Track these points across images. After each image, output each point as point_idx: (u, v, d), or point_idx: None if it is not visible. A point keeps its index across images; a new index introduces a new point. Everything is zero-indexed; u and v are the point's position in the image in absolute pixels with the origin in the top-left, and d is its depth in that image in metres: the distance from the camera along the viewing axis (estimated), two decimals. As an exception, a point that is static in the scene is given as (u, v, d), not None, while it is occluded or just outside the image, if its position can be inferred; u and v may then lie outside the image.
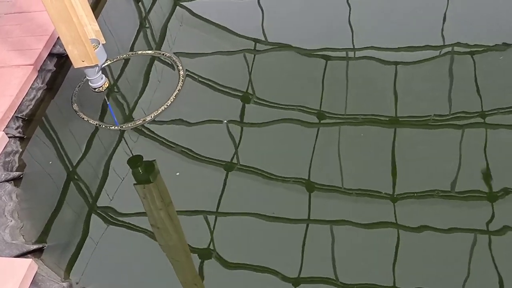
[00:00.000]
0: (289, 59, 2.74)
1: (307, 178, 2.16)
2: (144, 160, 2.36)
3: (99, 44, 2.29)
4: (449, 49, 2.61)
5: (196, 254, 1.98)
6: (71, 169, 2.40)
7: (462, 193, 2.01)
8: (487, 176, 2.03)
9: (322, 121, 2.38)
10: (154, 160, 2.36)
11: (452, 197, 2.00)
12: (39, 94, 2.73)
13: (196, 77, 2.75)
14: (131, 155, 2.40)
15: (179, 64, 2.80)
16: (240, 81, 2.65)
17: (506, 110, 2.26)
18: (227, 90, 2.64)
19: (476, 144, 2.15)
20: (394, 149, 2.20)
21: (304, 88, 2.56)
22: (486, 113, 2.26)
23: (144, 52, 2.95)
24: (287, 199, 2.12)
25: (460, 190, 2.01)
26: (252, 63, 2.77)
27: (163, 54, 2.90)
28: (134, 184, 2.26)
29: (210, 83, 2.70)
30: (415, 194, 2.02)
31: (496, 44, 2.55)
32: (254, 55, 2.81)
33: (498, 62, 2.48)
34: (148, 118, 2.55)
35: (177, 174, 2.28)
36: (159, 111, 2.57)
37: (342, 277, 1.85)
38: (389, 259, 1.86)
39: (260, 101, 2.55)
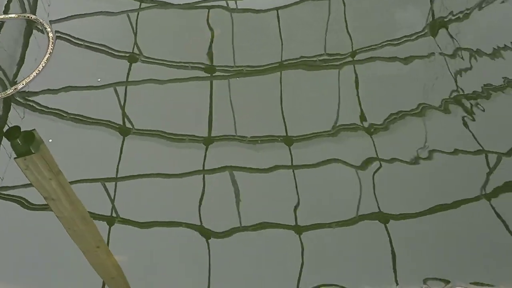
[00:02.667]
0: (173, 15, 2.66)
1: (206, 134, 2.15)
2: (22, 130, 2.14)
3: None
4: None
5: (104, 221, 1.90)
6: None
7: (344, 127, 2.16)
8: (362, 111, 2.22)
9: (213, 75, 2.37)
10: (34, 129, 2.15)
11: (333, 134, 2.14)
12: None
13: (73, 39, 2.54)
14: (7, 127, 2.16)
15: (47, 27, 2.56)
16: (125, 42, 2.51)
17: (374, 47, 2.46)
18: (112, 52, 2.49)
19: (350, 82, 2.32)
20: (282, 94, 2.28)
21: (190, 44, 2.51)
22: (357, 51, 2.44)
23: (5, 16, 2.63)
24: (185, 156, 2.09)
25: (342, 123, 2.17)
26: (136, 23, 2.63)
27: (28, 17, 2.62)
28: (15, 158, 2.05)
29: (91, 45, 2.52)
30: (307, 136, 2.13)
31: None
32: (138, 13, 2.68)
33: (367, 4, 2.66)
34: (20, 86, 2.31)
35: (50, 141, 2.12)
36: (30, 78, 2.34)
37: (246, 220, 1.90)
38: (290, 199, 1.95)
39: (148, 60, 2.45)
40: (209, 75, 2.38)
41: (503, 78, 2.29)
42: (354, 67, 2.37)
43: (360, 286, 1.65)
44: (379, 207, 1.90)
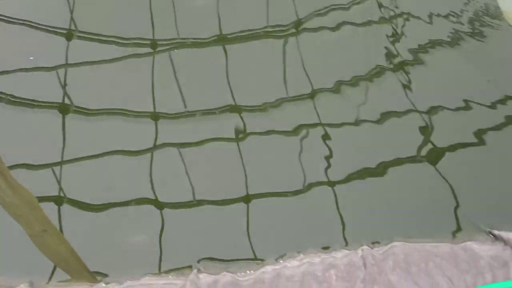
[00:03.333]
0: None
1: (152, 110, 2.14)
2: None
3: None
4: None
5: (51, 202, 1.87)
6: None
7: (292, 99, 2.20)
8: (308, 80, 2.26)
9: (156, 50, 2.34)
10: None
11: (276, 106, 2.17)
12: None
13: (4, 19, 2.43)
14: None
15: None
16: (60, 18, 2.43)
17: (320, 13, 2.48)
18: (46, 28, 2.40)
19: (295, 52, 2.36)
20: (227, 67, 2.28)
21: (131, 18, 2.47)
22: (302, 20, 2.46)
23: None
24: (134, 133, 2.07)
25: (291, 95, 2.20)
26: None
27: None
28: None
29: (23, 22, 2.42)
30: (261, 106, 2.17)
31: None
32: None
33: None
34: None
35: None
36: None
37: (198, 195, 1.92)
38: (236, 167, 1.99)
39: (86, 37, 2.38)
40: (152, 50, 2.35)
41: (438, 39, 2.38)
42: (296, 38, 2.39)
43: (306, 249, 1.70)
44: (326, 175, 1.96)
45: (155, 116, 2.12)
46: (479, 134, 2.08)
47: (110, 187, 1.92)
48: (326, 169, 1.98)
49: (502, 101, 2.14)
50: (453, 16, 2.44)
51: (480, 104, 2.15)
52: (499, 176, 1.94)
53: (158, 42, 2.37)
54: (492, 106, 2.15)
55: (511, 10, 2.41)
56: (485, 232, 1.67)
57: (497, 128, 2.11)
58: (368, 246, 1.63)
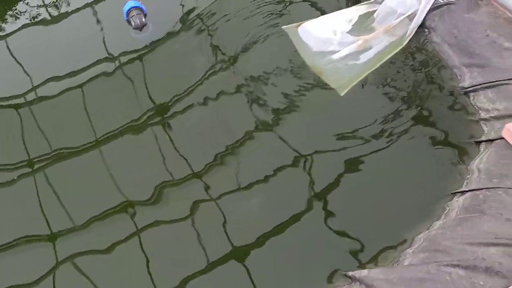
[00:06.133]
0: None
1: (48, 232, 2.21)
2: None
3: None
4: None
5: None
6: None
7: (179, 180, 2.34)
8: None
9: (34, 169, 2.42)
10: None
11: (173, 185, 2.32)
12: None
13: None
14: None
15: None
16: None
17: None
18: None
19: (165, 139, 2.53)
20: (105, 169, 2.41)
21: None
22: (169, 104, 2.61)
23: None
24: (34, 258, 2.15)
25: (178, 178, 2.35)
26: None
27: None
28: None
29: None
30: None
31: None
32: None
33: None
34: None
35: None
36: None
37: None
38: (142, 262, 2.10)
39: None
40: (31, 169, 2.43)
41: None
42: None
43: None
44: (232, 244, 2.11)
45: (53, 237, 2.19)
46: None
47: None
48: (224, 242, 2.11)
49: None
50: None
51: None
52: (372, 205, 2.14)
53: (35, 160, 2.45)
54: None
55: (314, 64, 2.67)
56: (342, 276, 1.84)
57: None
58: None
